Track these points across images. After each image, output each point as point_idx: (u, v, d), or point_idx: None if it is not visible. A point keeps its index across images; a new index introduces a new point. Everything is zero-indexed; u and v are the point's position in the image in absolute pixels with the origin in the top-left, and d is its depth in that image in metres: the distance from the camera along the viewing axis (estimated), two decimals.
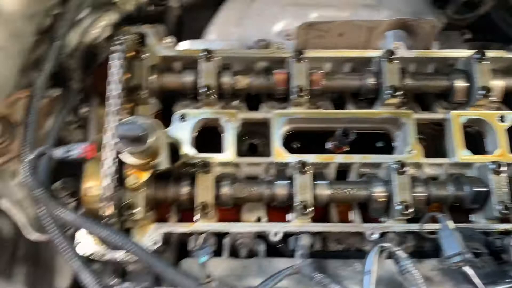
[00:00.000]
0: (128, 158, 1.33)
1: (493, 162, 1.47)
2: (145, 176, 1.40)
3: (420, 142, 1.72)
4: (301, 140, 1.70)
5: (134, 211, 1.38)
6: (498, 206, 1.44)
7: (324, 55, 1.63)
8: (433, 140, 1.75)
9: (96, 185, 1.37)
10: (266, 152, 1.71)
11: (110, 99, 1.39)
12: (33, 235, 1.45)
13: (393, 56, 1.56)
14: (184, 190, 1.46)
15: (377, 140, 1.72)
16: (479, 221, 1.51)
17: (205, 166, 1.45)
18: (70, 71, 1.53)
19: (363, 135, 1.66)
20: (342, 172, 1.61)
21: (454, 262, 1.21)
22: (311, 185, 1.45)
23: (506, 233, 1.47)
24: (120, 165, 1.39)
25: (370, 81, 1.58)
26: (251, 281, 1.30)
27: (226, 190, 1.46)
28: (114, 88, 1.41)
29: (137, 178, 1.38)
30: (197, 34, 1.97)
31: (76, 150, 1.16)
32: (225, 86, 1.57)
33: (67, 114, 1.47)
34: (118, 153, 1.34)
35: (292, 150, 1.64)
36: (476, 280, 1.19)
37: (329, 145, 1.66)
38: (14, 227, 1.72)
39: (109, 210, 1.32)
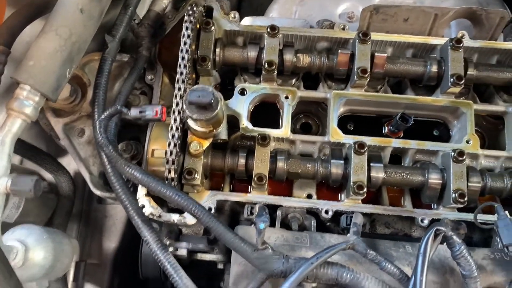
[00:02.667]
0: (193, 125, 1.38)
1: None
2: (207, 143, 1.45)
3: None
4: (355, 121, 1.72)
5: (192, 176, 1.44)
6: None
7: (389, 39, 1.63)
8: (488, 133, 1.74)
9: (160, 147, 1.43)
10: (320, 131, 1.74)
11: (180, 67, 1.43)
12: (98, 191, 1.52)
13: (459, 45, 1.54)
14: (241, 161, 1.50)
15: (430, 129, 1.72)
16: None
17: (264, 139, 1.49)
18: (139, 38, 1.59)
19: (416, 122, 1.67)
20: (395, 157, 1.62)
21: None
22: (367, 166, 1.46)
23: None
24: (183, 132, 1.44)
25: (434, 68, 1.57)
26: (303, 252, 1.33)
27: (281, 164, 1.49)
28: (184, 56, 1.45)
29: (199, 145, 1.43)
30: (255, 11, 2.01)
31: (150, 111, 1.20)
32: (287, 63, 1.59)
33: (136, 79, 1.52)
34: (182, 120, 1.40)
35: (346, 132, 1.66)
36: None
37: (384, 129, 1.68)
38: (72, 185, 1.81)
39: (171, 173, 1.37)
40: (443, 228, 1.24)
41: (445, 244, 1.27)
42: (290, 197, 1.55)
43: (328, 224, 1.57)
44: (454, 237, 1.24)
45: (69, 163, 1.94)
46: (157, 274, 1.69)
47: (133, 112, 1.21)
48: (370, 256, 1.26)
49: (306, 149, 1.61)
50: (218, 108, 1.31)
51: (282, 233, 1.38)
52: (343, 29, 1.65)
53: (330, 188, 1.60)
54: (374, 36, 1.62)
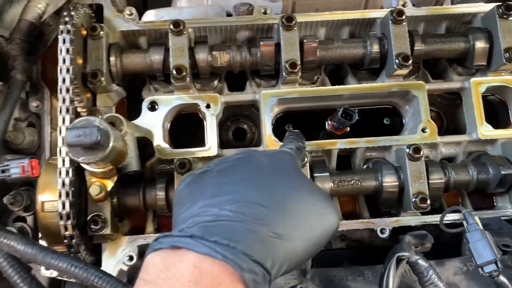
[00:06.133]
0: (86, 166, 1.09)
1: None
2: (110, 184, 1.17)
3: (433, 117, 1.52)
4: (294, 120, 1.47)
5: (100, 226, 1.16)
6: None
7: (320, 18, 1.36)
8: (445, 111, 1.53)
9: (53, 197, 1.13)
10: (256, 138, 1.48)
11: (62, 92, 1.13)
12: None
13: (401, 17, 1.29)
14: (160, 194, 1.23)
15: (380, 118, 1.49)
16: (505, 206, 1.32)
17: (183, 166, 1.21)
18: (10, 58, 1.25)
19: (364, 112, 1.43)
20: (343, 157, 1.39)
21: (488, 272, 1.01)
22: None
23: None
24: (80, 172, 1.16)
25: (375, 48, 1.32)
26: None
27: None
28: (64, 77, 1.14)
29: (101, 187, 1.15)
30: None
31: (15, 169, 0.91)
32: (201, 65, 1.30)
33: (11, 113, 1.20)
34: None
35: (284, 134, 1.42)
36: None
37: (328, 125, 1.43)
38: None
39: (68, 229, 1.09)
40: (406, 254, 1.03)
41: None
42: None
43: None
44: (420, 261, 1.03)
45: None
46: None
47: None
48: None
49: None
50: (111, 143, 1.03)
51: None
52: (265, 13, 1.37)
53: None
54: (302, 17, 1.35)
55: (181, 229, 0.80)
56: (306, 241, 0.85)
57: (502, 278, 1.01)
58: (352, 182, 1.26)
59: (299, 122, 1.46)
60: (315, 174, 1.25)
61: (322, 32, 1.42)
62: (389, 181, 1.25)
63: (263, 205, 0.82)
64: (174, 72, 1.25)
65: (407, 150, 1.24)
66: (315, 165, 1.28)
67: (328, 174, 1.25)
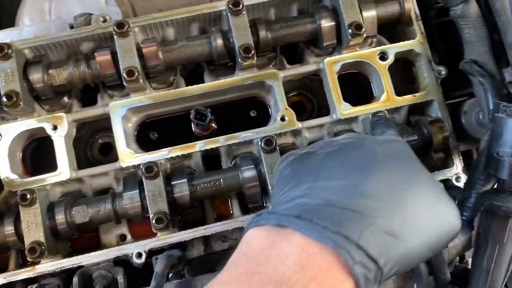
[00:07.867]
0: None
1: (374, 115, 1.24)
2: None
3: (303, 100, 1.51)
4: (159, 126, 1.41)
5: None
6: None
7: (159, 19, 1.30)
8: (316, 93, 1.51)
9: None
10: None
11: None
12: None
13: (238, 7, 1.24)
14: (8, 229, 1.16)
15: (251, 107, 1.46)
16: None
17: (24, 198, 1.14)
18: None
19: (232, 105, 1.41)
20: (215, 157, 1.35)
21: None
22: (165, 190, 1.18)
23: None
24: None
25: (219, 42, 1.28)
26: None
27: (61, 219, 1.17)
28: None
29: None
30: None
31: None
32: (37, 86, 1.23)
33: None
34: None
35: (149, 144, 1.37)
36: None
37: (193, 127, 1.39)
38: None
39: None
40: None
41: None
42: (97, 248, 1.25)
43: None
44: None
45: None
46: None
47: None
48: None
49: (100, 183, 1.30)
50: None
51: None
52: (104, 21, 1.30)
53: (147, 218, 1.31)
54: (141, 20, 1.29)
55: (286, 208, 0.76)
56: (422, 244, 0.76)
57: None
58: (213, 183, 1.22)
59: (165, 127, 1.41)
60: (172, 182, 1.20)
61: (171, 33, 1.36)
62: (248, 176, 1.21)
63: (378, 196, 0.75)
64: (4, 99, 1.17)
65: (260, 143, 1.21)
66: (173, 173, 1.23)
67: (185, 180, 1.21)
